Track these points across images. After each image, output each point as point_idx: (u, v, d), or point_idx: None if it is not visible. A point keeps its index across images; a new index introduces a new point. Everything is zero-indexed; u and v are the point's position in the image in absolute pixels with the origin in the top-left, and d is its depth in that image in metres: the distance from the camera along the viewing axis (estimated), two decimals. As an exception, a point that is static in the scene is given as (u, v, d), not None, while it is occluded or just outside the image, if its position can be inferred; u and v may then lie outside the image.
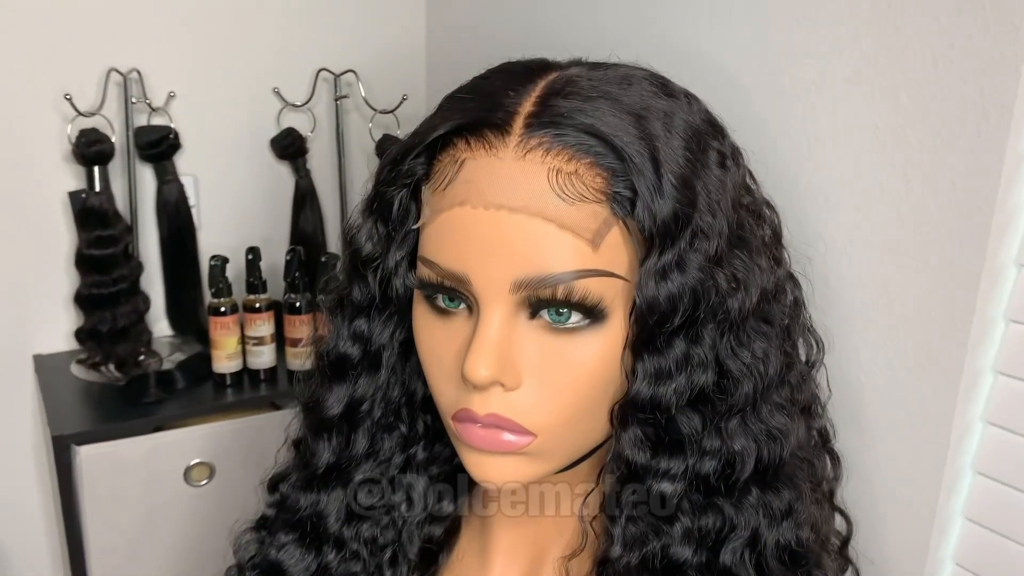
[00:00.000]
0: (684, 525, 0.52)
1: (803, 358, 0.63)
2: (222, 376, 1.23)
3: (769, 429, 0.52)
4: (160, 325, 1.35)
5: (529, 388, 0.51)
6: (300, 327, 1.24)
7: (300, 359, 1.25)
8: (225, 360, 1.23)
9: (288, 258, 1.22)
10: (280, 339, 1.26)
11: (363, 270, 0.58)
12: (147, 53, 1.23)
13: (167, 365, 1.26)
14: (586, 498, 0.58)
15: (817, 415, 0.63)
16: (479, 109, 0.51)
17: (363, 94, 1.35)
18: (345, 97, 1.35)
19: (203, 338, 1.34)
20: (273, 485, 0.70)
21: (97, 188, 1.18)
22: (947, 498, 0.68)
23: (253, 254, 1.22)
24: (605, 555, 0.54)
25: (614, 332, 0.51)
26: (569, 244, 0.49)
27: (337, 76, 1.34)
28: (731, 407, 0.51)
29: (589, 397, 0.51)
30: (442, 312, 0.53)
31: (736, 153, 0.56)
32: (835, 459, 0.67)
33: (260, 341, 1.24)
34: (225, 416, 1.20)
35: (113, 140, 1.20)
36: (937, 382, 0.66)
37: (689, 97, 0.55)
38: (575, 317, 0.50)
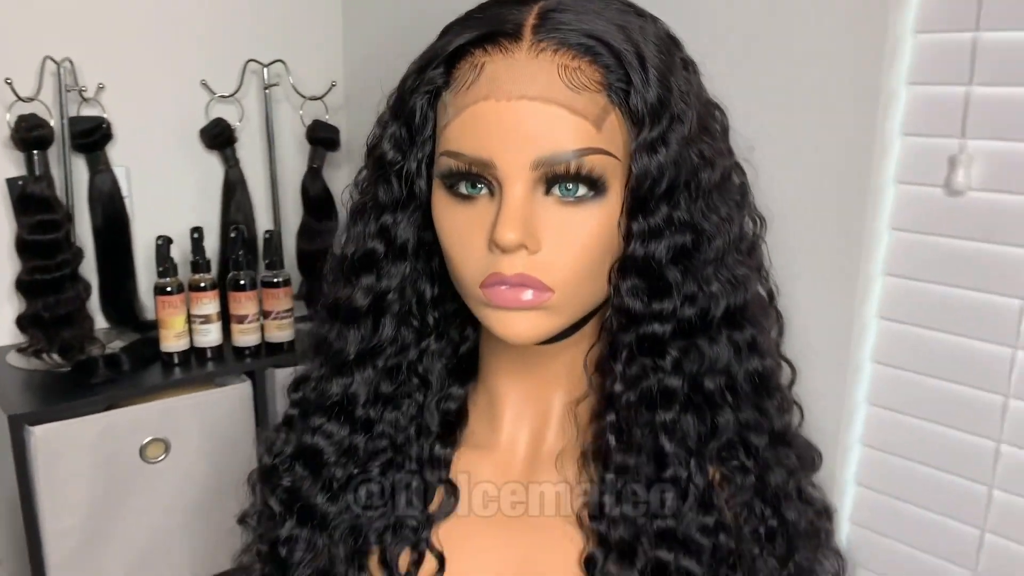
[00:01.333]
0: (673, 358, 0.63)
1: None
2: (170, 355, 1.26)
3: (734, 276, 0.64)
4: (94, 318, 1.36)
5: (547, 251, 0.60)
6: (246, 304, 1.28)
7: (247, 335, 1.30)
8: (173, 339, 1.26)
9: (233, 235, 1.27)
10: (225, 317, 1.30)
11: (388, 172, 0.66)
12: (79, 43, 1.26)
13: (110, 351, 1.27)
14: (589, 351, 0.68)
15: (765, 278, 0.75)
16: (490, 24, 0.61)
17: (292, 83, 1.41)
18: (275, 86, 1.41)
19: (140, 328, 1.36)
20: (296, 385, 0.76)
21: (37, 173, 1.19)
22: (857, 346, 0.82)
23: (198, 233, 1.26)
24: (610, 392, 0.64)
25: (612, 202, 0.61)
26: (578, 126, 0.59)
27: (265, 66, 1.40)
28: (705, 260, 0.63)
29: (595, 257, 0.62)
30: (464, 198, 0.62)
31: (693, 62, 0.68)
32: (778, 315, 0.78)
33: (206, 319, 1.27)
34: (176, 393, 1.23)
35: (52, 124, 1.22)
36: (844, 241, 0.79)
37: (653, 17, 0.67)
38: (581, 190, 0.60)
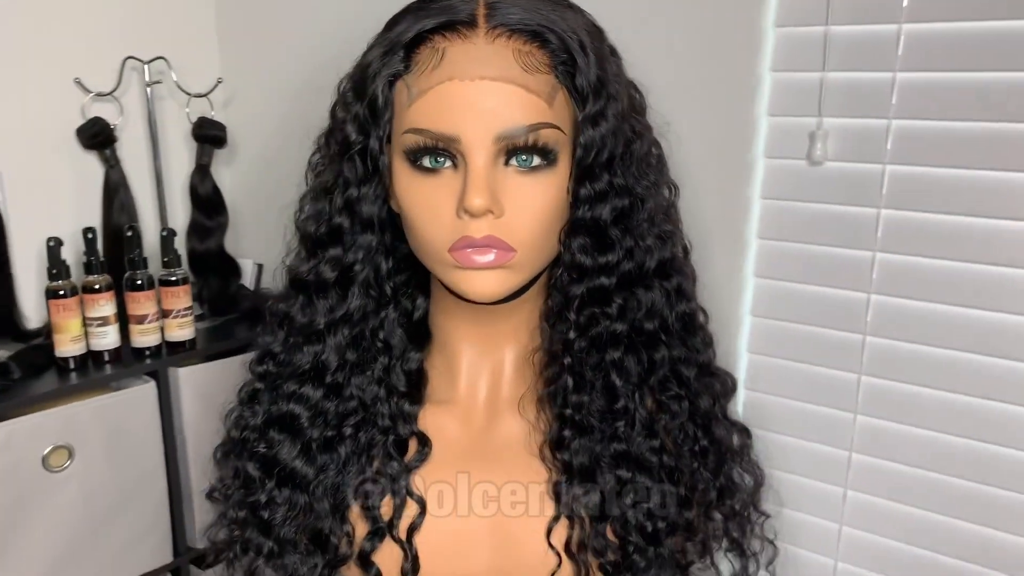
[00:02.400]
0: (618, 305, 0.72)
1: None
2: (65, 360, 1.22)
3: (662, 233, 0.74)
4: (-30, 329, 1.29)
5: (510, 215, 0.67)
6: (144, 304, 1.26)
7: (147, 335, 1.28)
8: (69, 344, 1.22)
9: (129, 235, 1.25)
10: (123, 319, 1.27)
11: (351, 151, 0.70)
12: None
13: (-5, 362, 1.22)
14: (543, 305, 0.75)
15: (681, 236, 0.85)
16: (445, 13, 0.67)
17: (175, 80, 1.39)
18: (158, 83, 1.39)
19: (21, 337, 1.31)
20: (260, 360, 0.78)
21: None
22: (737, 301, 0.94)
23: (92, 234, 1.23)
24: (565, 339, 0.72)
25: (561, 171, 0.70)
26: (533, 103, 0.67)
27: (146, 63, 1.38)
28: (639, 220, 0.72)
29: (550, 220, 0.70)
30: (428, 171, 0.68)
31: (616, 49, 0.77)
32: (692, 271, 0.88)
33: (103, 321, 1.24)
34: (77, 398, 1.20)
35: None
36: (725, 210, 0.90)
37: (581, 9, 0.75)
38: (536, 160, 0.68)
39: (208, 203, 1.43)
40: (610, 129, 0.69)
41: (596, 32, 0.73)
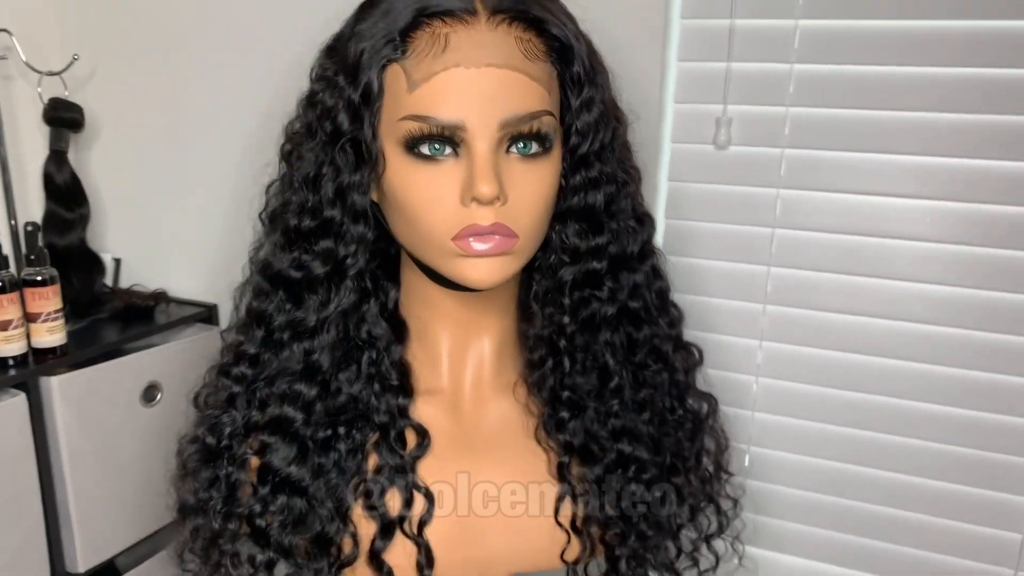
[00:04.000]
0: (608, 288, 0.74)
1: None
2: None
3: (639, 215, 0.77)
4: None
5: (513, 202, 0.67)
6: (8, 308, 1.13)
7: (11, 343, 1.14)
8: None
9: (29, 230, 1.11)
10: None
11: (343, 139, 0.67)
12: None
13: None
14: (532, 290, 0.76)
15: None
16: None
17: (23, 56, 1.24)
18: (3, 59, 1.24)
19: None
20: (236, 360, 0.73)
21: None
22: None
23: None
24: (559, 322, 0.74)
25: (556, 158, 0.70)
26: (536, 90, 0.67)
27: (-13, 36, 1.22)
28: (622, 204, 0.75)
29: (547, 206, 0.70)
30: (427, 159, 0.66)
31: (587, 36, 0.79)
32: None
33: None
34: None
35: None
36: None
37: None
38: (534, 148, 0.68)
39: (67, 193, 1.29)
40: (600, 116, 0.71)
41: (574, 20, 0.74)
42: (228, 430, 0.74)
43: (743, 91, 1.04)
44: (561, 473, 0.76)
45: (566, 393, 0.75)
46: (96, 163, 1.41)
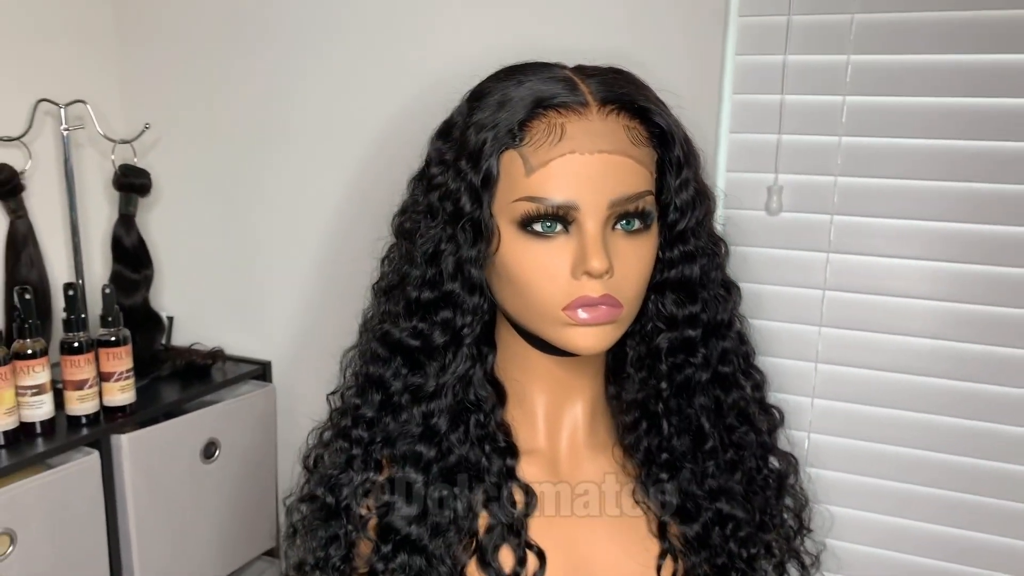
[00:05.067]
0: (703, 354, 0.79)
1: None
2: (-4, 436, 1.10)
3: (727, 284, 0.82)
4: None
5: (618, 274, 0.72)
6: (85, 368, 1.16)
7: (85, 402, 1.17)
8: (2, 417, 1.10)
9: (70, 294, 1.15)
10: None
11: (464, 219, 0.72)
12: None
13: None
14: (628, 358, 0.81)
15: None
16: (556, 91, 0.71)
17: (98, 127, 1.30)
18: (80, 127, 1.29)
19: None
20: (355, 423, 0.77)
21: None
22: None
23: (29, 293, 1.12)
24: (656, 389, 0.78)
25: (655, 234, 0.76)
26: (640, 173, 0.73)
27: (63, 107, 1.27)
28: (712, 277, 0.80)
29: (646, 279, 0.75)
30: (540, 236, 0.71)
31: None
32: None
33: (39, 390, 1.13)
34: (14, 478, 1.08)
35: None
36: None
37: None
38: (637, 224, 0.73)
39: (133, 256, 1.34)
40: (696, 194, 0.77)
41: (667, 107, 0.80)
42: (347, 490, 0.78)
43: (793, 161, 1.10)
44: (661, 532, 0.79)
45: (664, 455, 0.80)
46: (155, 224, 1.45)
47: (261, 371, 1.45)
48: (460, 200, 0.73)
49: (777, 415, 0.87)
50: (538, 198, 0.71)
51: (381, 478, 0.77)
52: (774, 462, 0.86)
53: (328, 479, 0.79)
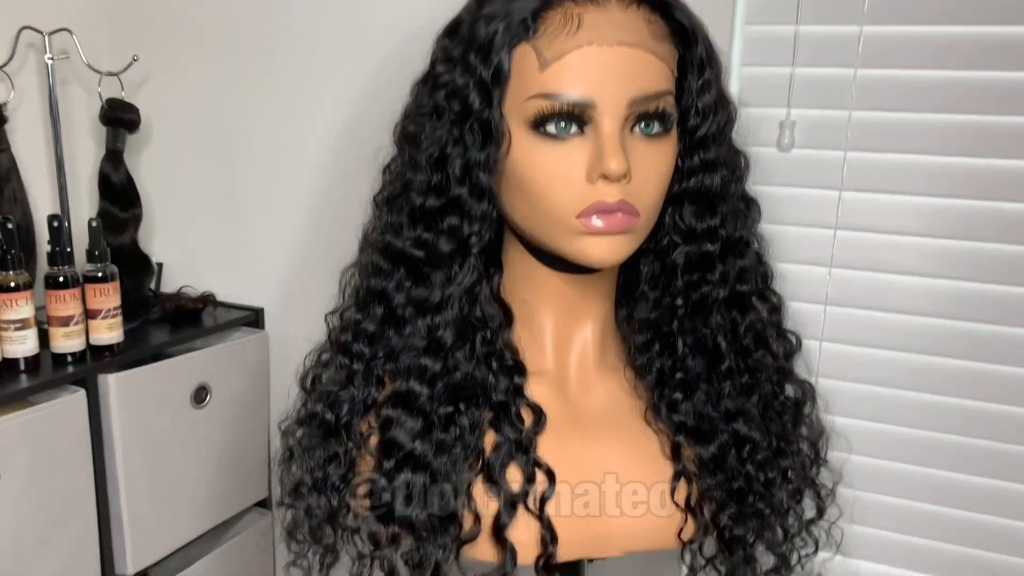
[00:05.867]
0: (720, 271, 0.76)
1: None
2: (-22, 371, 1.06)
3: (748, 200, 0.79)
4: None
5: (637, 180, 0.68)
6: (70, 303, 1.12)
7: (71, 339, 1.13)
8: (-17, 351, 1.06)
9: (55, 225, 1.10)
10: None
11: (472, 118, 0.68)
12: None
13: None
14: (644, 272, 0.77)
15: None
16: None
17: (83, 57, 1.25)
18: (65, 57, 1.24)
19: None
20: (356, 338, 0.74)
21: None
22: None
23: (12, 224, 1.07)
24: (671, 307, 0.75)
25: (674, 139, 0.72)
26: (663, 70, 0.68)
27: (47, 35, 1.22)
28: (732, 191, 0.76)
29: (664, 187, 0.72)
30: (553, 137, 0.67)
31: None
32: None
33: (22, 324, 1.09)
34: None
35: None
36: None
37: None
38: (656, 127, 0.69)
39: (122, 193, 1.29)
40: (719, 98, 0.73)
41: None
42: (347, 407, 0.74)
43: (806, 95, 1.07)
44: (675, 453, 0.76)
45: (678, 375, 0.76)
46: (145, 167, 1.41)
47: (254, 318, 1.42)
48: (468, 97, 0.69)
49: (794, 340, 0.84)
50: (552, 94, 0.67)
51: (383, 395, 0.74)
52: (790, 391, 0.83)
53: (327, 395, 0.76)
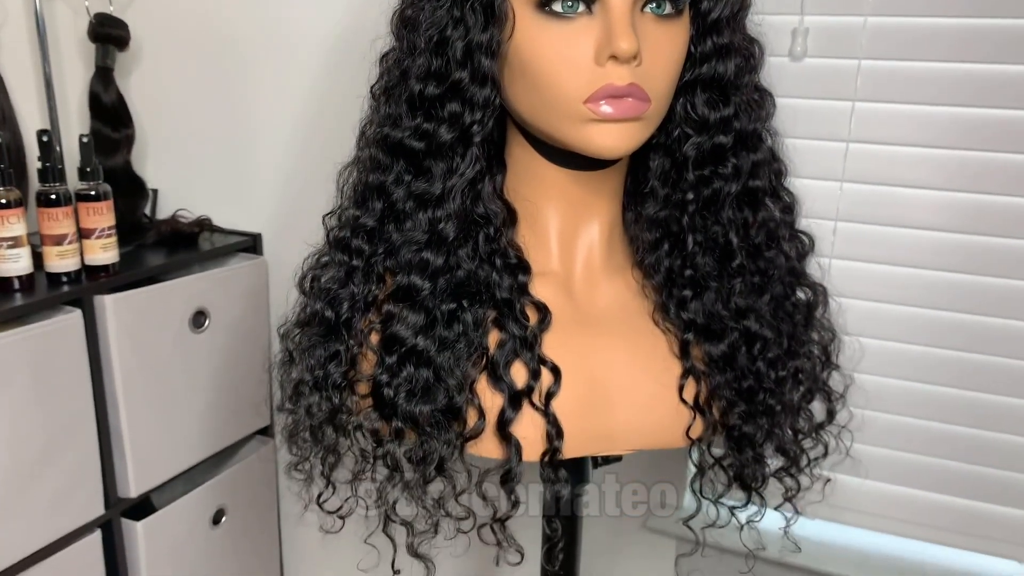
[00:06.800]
0: (733, 164, 0.72)
1: None
2: (-29, 289, 1.04)
3: (762, 91, 0.75)
4: None
5: (648, 63, 0.65)
6: (63, 222, 1.10)
7: (65, 259, 1.11)
8: (-27, 268, 1.04)
9: (44, 140, 1.07)
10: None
11: (472, 0, 0.65)
12: None
13: None
14: (653, 165, 0.74)
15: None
16: None
17: (69, -32, 1.21)
18: (50, -31, 1.20)
19: None
20: (354, 233, 0.71)
21: None
22: None
23: (2, 139, 1.04)
24: (681, 202, 0.72)
25: (686, 23, 0.68)
26: None
27: (31, -54, 1.18)
28: (746, 80, 0.72)
29: (678, 71, 0.68)
30: (559, 16, 0.64)
31: None
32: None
33: (15, 242, 1.07)
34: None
35: None
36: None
37: None
38: (667, 8, 0.65)
39: (113, 113, 1.26)
40: None
41: None
42: (347, 304, 0.72)
43: (820, 1, 1.03)
44: (684, 351, 0.74)
45: (688, 272, 0.74)
46: (135, 89, 1.37)
47: (251, 243, 1.39)
48: None
49: (807, 240, 0.81)
50: None
51: (384, 293, 0.72)
52: (801, 293, 0.81)
53: (327, 293, 0.73)
